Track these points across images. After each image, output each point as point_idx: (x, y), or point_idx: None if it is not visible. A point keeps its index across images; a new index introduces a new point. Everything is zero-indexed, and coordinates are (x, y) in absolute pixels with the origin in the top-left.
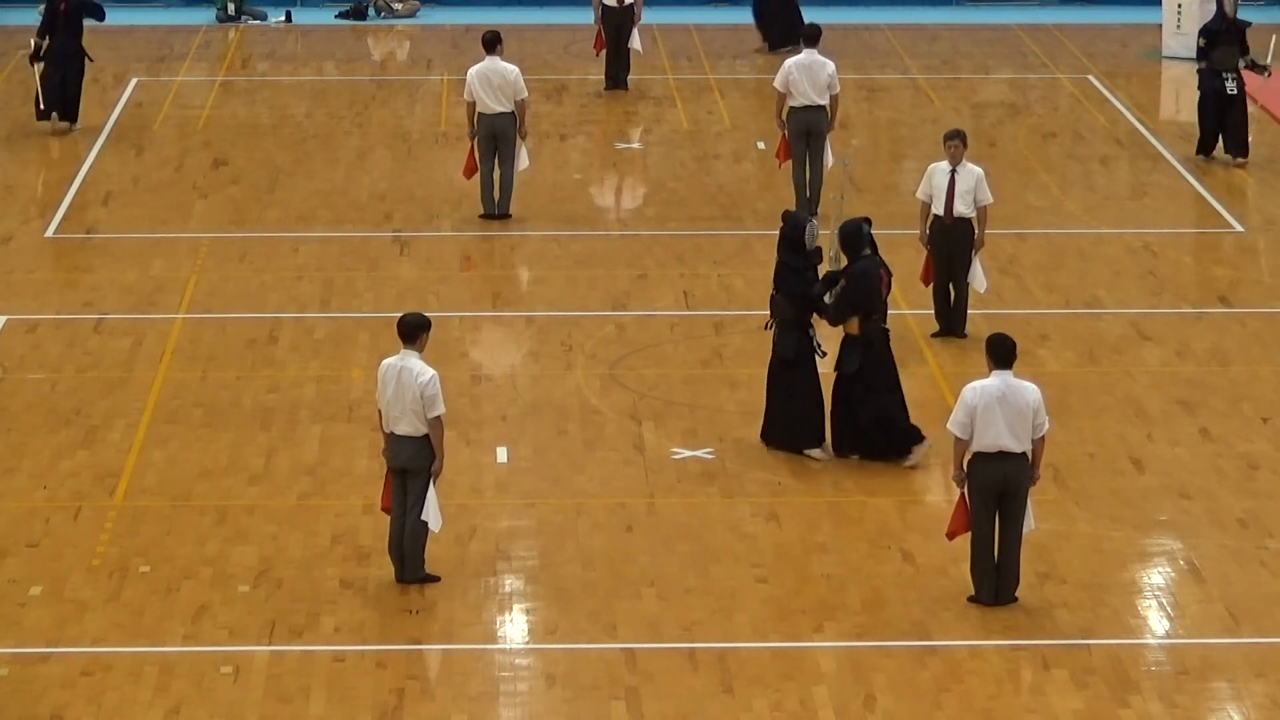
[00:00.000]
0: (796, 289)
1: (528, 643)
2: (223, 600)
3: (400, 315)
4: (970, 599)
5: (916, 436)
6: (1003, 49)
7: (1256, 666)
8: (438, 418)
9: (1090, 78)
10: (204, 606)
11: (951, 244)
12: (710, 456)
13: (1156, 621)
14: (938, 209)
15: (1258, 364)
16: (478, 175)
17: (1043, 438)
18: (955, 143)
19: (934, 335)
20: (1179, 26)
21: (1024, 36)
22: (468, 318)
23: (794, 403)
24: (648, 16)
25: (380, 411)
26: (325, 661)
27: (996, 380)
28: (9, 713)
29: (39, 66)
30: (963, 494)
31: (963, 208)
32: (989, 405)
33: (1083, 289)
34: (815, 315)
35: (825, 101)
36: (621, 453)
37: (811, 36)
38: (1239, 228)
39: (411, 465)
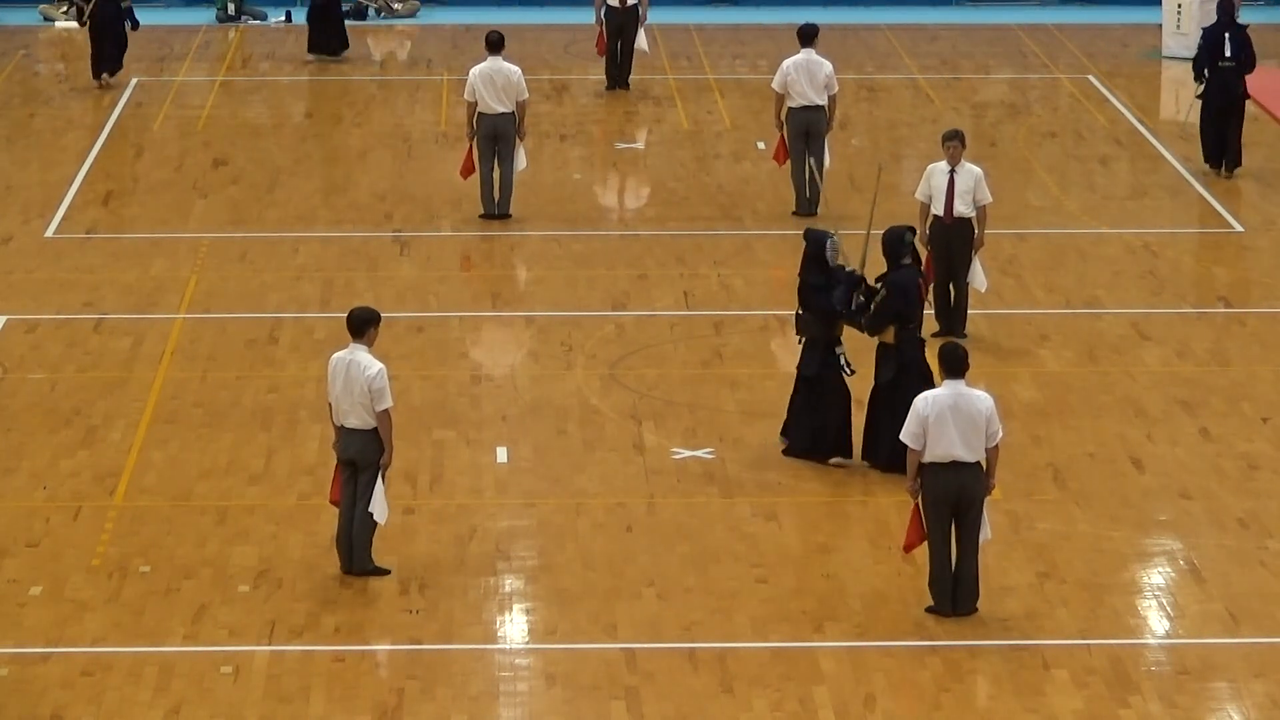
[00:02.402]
0: (823, 306)
1: (528, 643)
2: (223, 600)
3: (350, 310)
4: (928, 610)
5: None
6: (1003, 49)
7: (1256, 666)
8: (385, 411)
9: (1090, 78)
10: (204, 606)
11: (951, 244)
12: (710, 456)
13: (1156, 621)
14: (937, 209)
15: (1258, 364)
16: (477, 175)
17: (996, 446)
18: (954, 143)
19: (934, 335)
20: (1179, 26)
21: (1024, 36)
22: (468, 318)
23: (816, 415)
24: (649, 16)
25: (330, 405)
26: (325, 661)
27: (948, 390)
28: (9, 713)
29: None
30: (916, 505)
31: (962, 208)
32: (941, 415)
33: (1083, 289)
34: (844, 330)
35: (824, 101)
36: (621, 453)
37: (808, 36)
38: (1239, 228)
39: (360, 458)
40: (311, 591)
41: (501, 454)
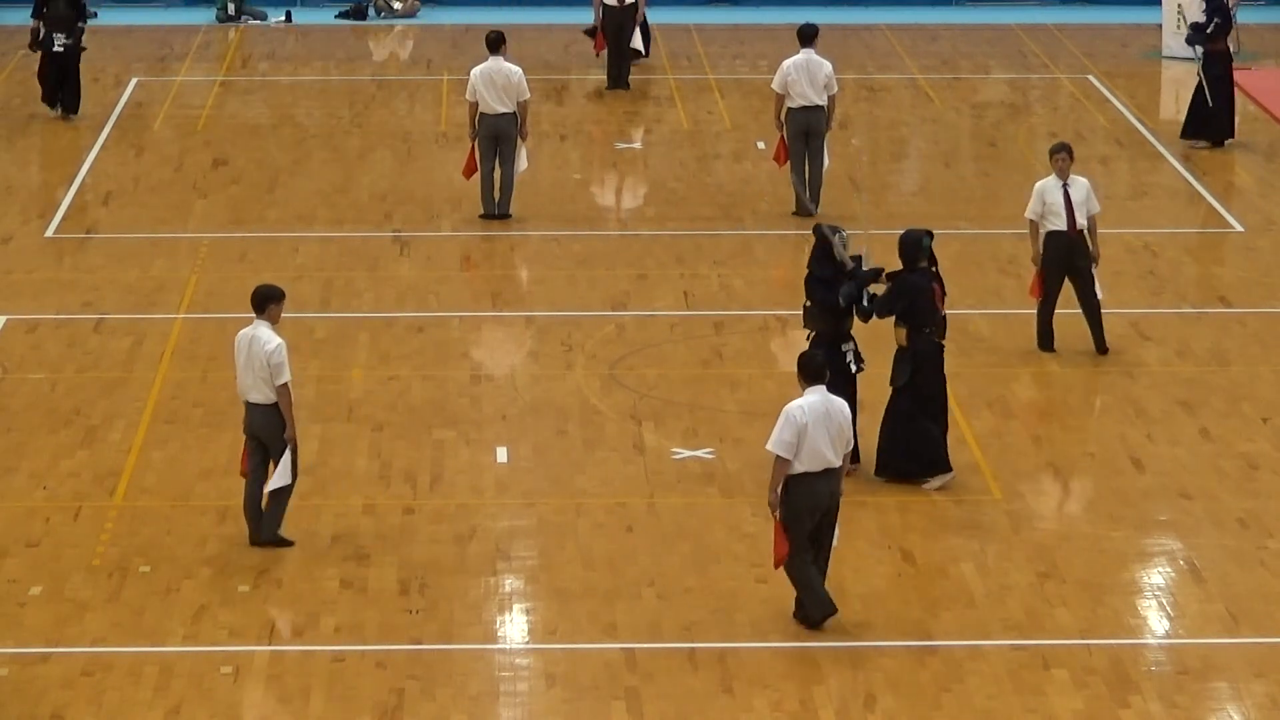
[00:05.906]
0: (825, 299)
1: (528, 643)
2: (223, 600)
3: (255, 287)
4: (803, 619)
5: (943, 466)
6: (1003, 49)
7: (1256, 666)
8: (284, 385)
9: (1090, 78)
10: (204, 606)
11: (1074, 258)
12: (710, 456)
13: (1156, 621)
14: (1059, 224)
15: (1258, 364)
16: (478, 175)
17: (848, 454)
18: (1063, 155)
19: (1043, 349)
20: (1179, 26)
21: (1024, 36)
22: (468, 318)
23: None
24: (648, 17)
25: (237, 382)
26: (325, 661)
27: (818, 397)
28: (9, 713)
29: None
30: (780, 519)
31: (1081, 219)
32: (816, 422)
33: None
34: (852, 324)
35: (824, 101)
36: (621, 453)
37: (808, 36)
38: (1239, 228)
39: (265, 434)
40: (311, 591)
41: (501, 454)
